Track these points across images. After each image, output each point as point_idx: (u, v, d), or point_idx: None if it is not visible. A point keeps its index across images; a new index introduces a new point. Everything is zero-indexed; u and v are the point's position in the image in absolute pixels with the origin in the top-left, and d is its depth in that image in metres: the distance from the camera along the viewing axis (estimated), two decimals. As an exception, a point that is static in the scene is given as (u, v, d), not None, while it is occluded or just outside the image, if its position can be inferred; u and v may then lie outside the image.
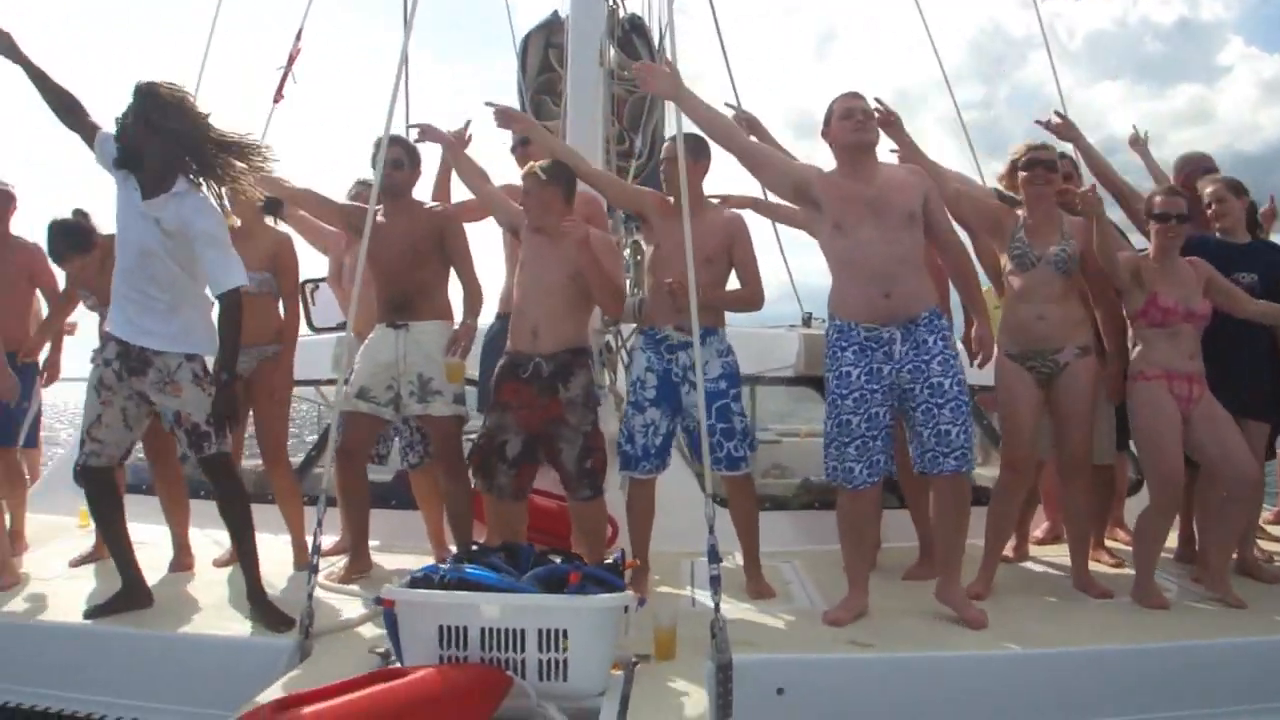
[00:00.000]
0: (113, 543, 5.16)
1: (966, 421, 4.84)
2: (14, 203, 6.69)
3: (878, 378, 4.86)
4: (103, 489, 5.10)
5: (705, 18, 8.79)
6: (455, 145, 5.90)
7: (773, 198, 5.84)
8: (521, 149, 6.22)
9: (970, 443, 4.88)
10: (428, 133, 5.77)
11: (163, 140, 4.79)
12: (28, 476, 7.18)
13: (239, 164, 4.96)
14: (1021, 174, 5.44)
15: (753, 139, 5.47)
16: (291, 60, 8.67)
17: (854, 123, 4.95)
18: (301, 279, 6.59)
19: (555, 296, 5.26)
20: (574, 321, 5.38)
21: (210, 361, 5.02)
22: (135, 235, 4.85)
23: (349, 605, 5.15)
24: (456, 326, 5.73)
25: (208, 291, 4.96)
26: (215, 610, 5.10)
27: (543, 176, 5.32)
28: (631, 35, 8.57)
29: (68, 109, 4.96)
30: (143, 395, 4.95)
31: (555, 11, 8.78)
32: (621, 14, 8.58)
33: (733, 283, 5.59)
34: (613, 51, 8.00)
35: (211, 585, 5.60)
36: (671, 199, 5.41)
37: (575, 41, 7.32)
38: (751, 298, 5.57)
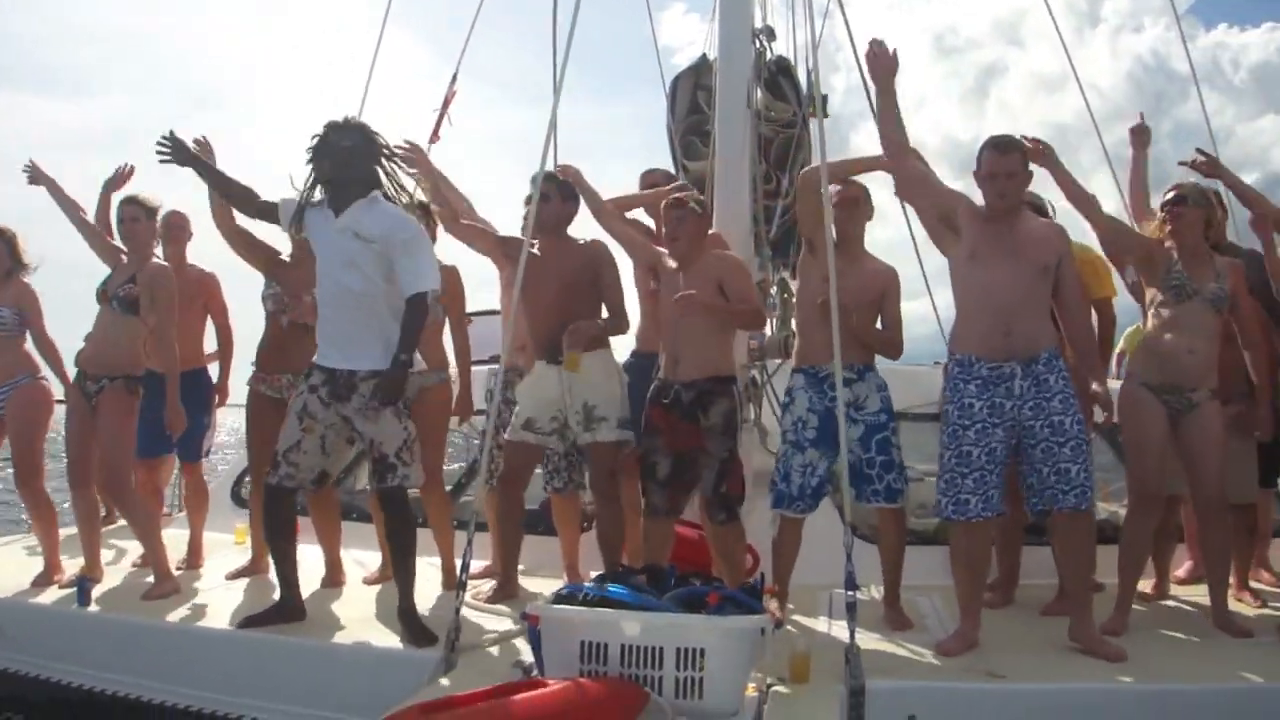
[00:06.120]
0: (281, 560, 5.37)
1: (1086, 460, 4.86)
2: (188, 228, 7.06)
3: (999, 413, 4.90)
4: (284, 510, 5.32)
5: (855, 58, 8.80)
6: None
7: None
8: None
9: (1090, 481, 4.88)
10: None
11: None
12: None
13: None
14: (1160, 214, 5.49)
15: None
16: (447, 103, 8.89)
17: (997, 189, 5.01)
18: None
19: (694, 326, 5.37)
20: (714, 350, 5.49)
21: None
22: (337, 254, 5.11)
23: (494, 624, 5.31)
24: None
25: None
26: (364, 624, 5.28)
27: (698, 210, 5.55)
28: (778, 77, 8.62)
29: (246, 201, 5.39)
30: (346, 420, 5.14)
31: (704, 54, 8.88)
32: (769, 56, 8.64)
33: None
34: (759, 93, 8.09)
35: (361, 601, 5.80)
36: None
37: (723, 83, 7.41)
38: (895, 342, 5.60)
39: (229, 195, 5.46)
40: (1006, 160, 5.00)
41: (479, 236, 6.20)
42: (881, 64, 5.15)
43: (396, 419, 5.12)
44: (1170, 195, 5.47)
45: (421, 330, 5.07)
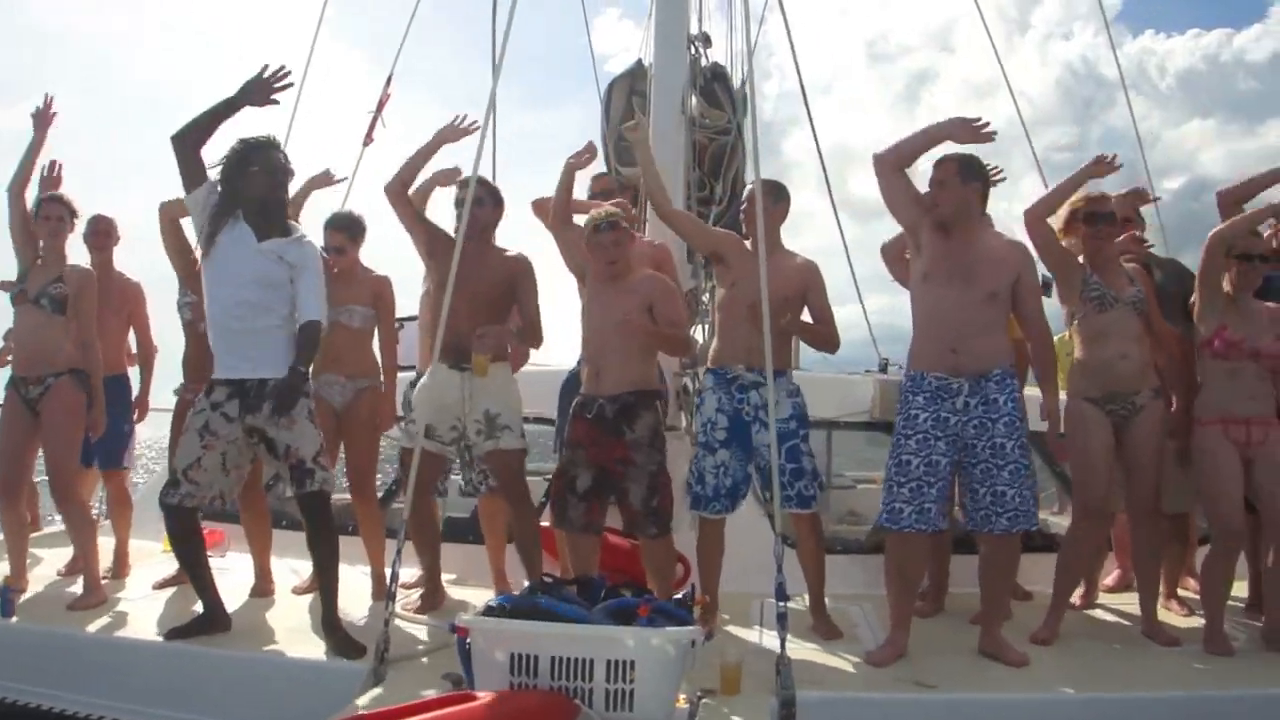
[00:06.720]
0: (194, 575, 5.33)
1: (1023, 483, 4.91)
2: (115, 233, 6.91)
3: (943, 426, 4.93)
4: (188, 528, 5.25)
5: (791, 66, 8.82)
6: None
7: None
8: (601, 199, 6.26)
9: (1026, 504, 4.92)
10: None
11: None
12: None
13: None
14: (1084, 228, 5.49)
15: None
16: (381, 105, 8.89)
17: (930, 196, 5.08)
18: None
19: (617, 339, 5.33)
20: (639, 363, 5.44)
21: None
22: (252, 272, 5.05)
23: (423, 634, 5.28)
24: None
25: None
26: (293, 635, 5.23)
27: (623, 225, 5.48)
28: (713, 84, 8.65)
29: (200, 138, 5.06)
30: (253, 432, 5.06)
31: (639, 60, 8.91)
32: (704, 63, 8.68)
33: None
34: (694, 100, 8.11)
35: (290, 611, 5.74)
36: (748, 242, 5.50)
37: (658, 90, 7.45)
38: (829, 336, 5.58)
39: (200, 128, 5.01)
40: (935, 170, 5.07)
41: (419, 222, 5.93)
42: (971, 134, 4.99)
43: (311, 423, 5.09)
44: (1096, 210, 5.47)
45: (315, 353, 5.15)
